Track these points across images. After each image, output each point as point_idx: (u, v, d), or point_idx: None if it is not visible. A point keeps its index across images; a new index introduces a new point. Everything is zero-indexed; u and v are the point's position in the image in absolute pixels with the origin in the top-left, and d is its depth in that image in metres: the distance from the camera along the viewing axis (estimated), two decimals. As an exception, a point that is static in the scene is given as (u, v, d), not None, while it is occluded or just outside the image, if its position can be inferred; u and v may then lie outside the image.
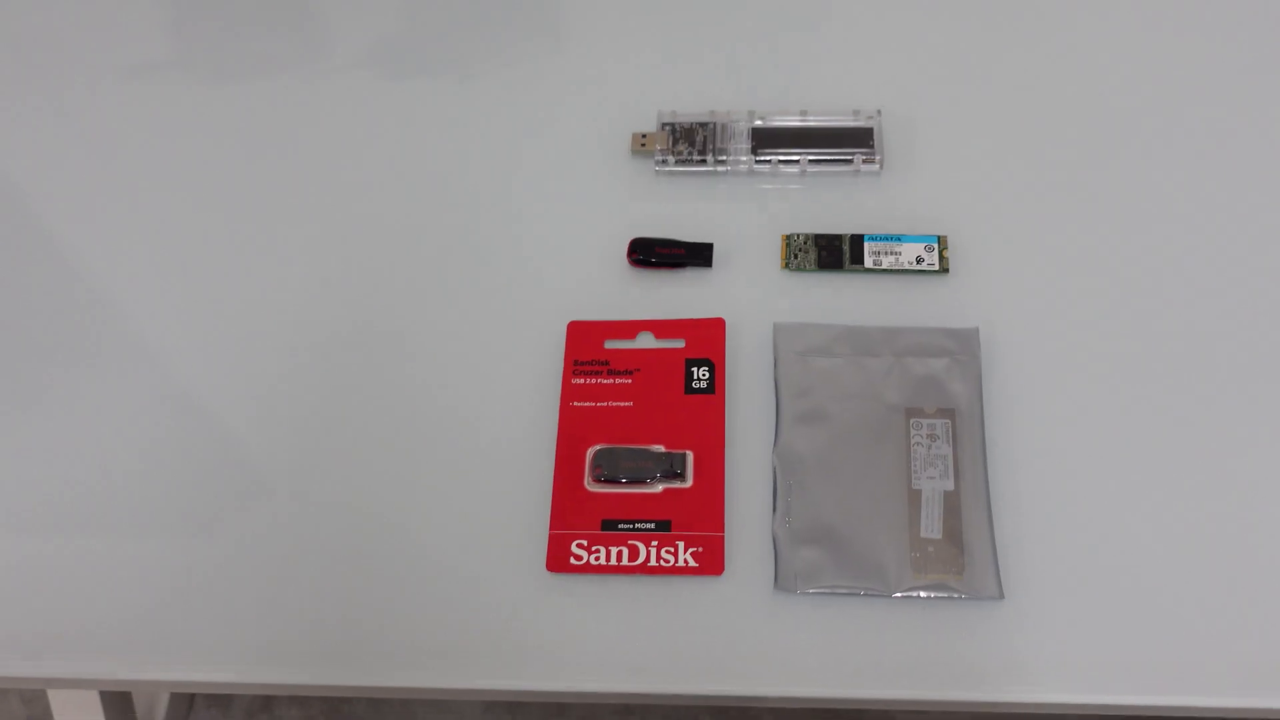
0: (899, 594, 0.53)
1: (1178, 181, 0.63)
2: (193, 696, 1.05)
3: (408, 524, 0.56)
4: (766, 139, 0.65)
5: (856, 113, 0.65)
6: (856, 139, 0.65)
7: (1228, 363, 0.58)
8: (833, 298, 0.61)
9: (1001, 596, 0.52)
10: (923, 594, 0.53)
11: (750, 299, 0.61)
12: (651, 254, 0.62)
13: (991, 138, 0.65)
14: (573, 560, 0.55)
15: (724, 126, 0.66)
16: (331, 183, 0.67)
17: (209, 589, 0.55)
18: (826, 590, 0.53)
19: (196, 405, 0.60)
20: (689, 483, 0.56)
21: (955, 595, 0.52)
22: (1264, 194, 0.62)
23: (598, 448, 0.57)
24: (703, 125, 0.66)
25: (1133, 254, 0.61)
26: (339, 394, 0.60)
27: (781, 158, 0.64)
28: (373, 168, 0.67)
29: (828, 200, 0.64)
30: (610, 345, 0.60)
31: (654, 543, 0.55)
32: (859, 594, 0.53)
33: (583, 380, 0.59)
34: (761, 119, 0.66)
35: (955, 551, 0.53)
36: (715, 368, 0.59)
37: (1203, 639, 0.51)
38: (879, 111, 0.65)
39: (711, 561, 0.54)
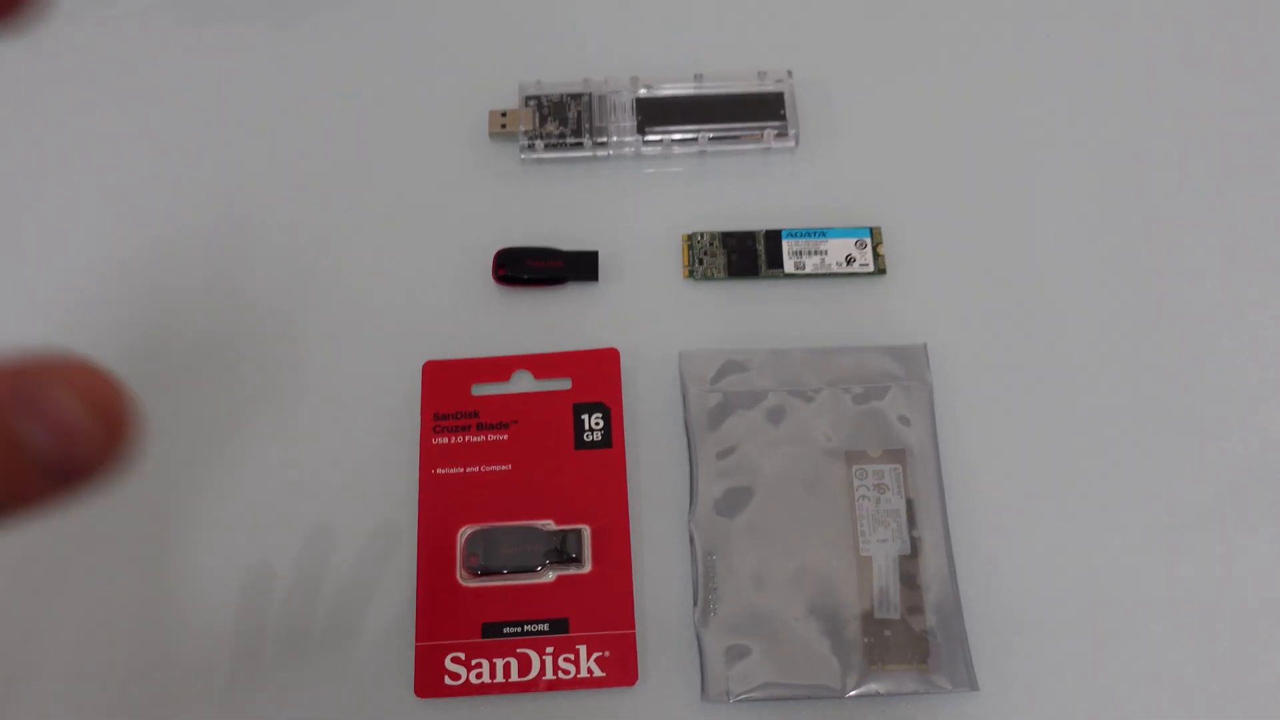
0: (853, 693, 0.43)
1: (1153, 156, 0.53)
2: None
3: (235, 641, 0.44)
4: (655, 113, 0.53)
5: (763, 75, 0.53)
6: (765, 108, 0.53)
7: (1231, 368, 0.49)
8: (749, 313, 0.50)
9: (975, 688, 0.43)
10: (881, 690, 0.43)
11: (648, 320, 0.50)
12: (522, 269, 0.50)
13: (928, 102, 0.54)
14: (448, 680, 0.43)
15: (602, 99, 0.53)
16: (106, 155, 0.52)
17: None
18: (764, 697, 0.43)
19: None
20: (587, 567, 0.45)
21: (921, 690, 0.43)
22: (1242, 179, 0.53)
23: (470, 530, 0.46)
24: (575, 98, 0.53)
25: (1107, 240, 0.51)
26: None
27: (675, 135, 0.52)
28: (158, 141, 0.53)
29: (735, 187, 0.52)
30: (479, 390, 0.48)
31: (549, 649, 0.44)
32: (805, 697, 0.43)
33: (446, 439, 0.47)
34: (647, 87, 0.53)
35: (918, 634, 0.43)
36: (611, 413, 0.47)
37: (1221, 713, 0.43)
38: (789, 73, 0.53)
39: (622, 669, 0.43)
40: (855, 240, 0.50)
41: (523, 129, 0.52)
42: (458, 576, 0.45)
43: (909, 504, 0.46)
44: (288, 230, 0.51)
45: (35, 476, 0.21)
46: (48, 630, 0.45)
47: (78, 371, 0.21)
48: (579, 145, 0.52)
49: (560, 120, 0.52)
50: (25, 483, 0.21)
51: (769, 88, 0.53)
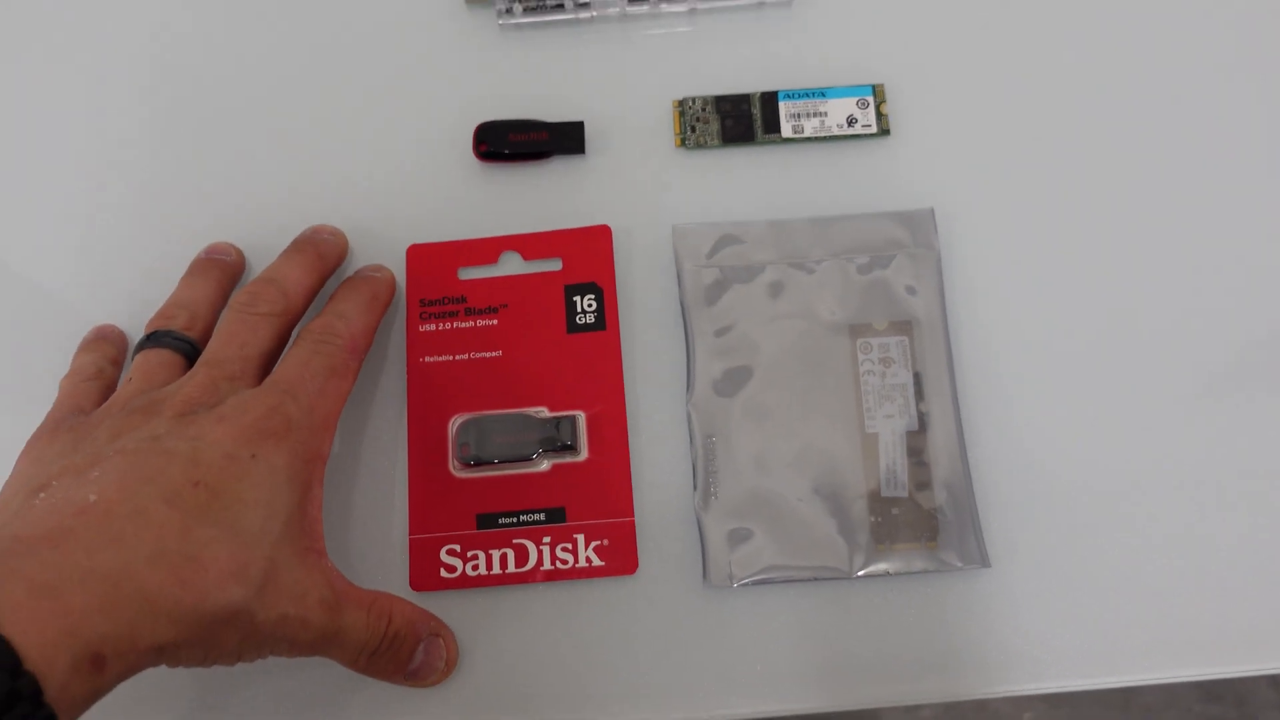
0: (860, 573, 0.42)
1: (1170, 21, 0.49)
2: None
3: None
4: (641, -31, 0.49)
5: (755, -78, 0.50)
6: (758, -40, 0.49)
7: (1251, 237, 0.46)
8: (746, 181, 0.47)
9: (987, 564, 0.42)
10: (890, 570, 0.42)
11: (639, 193, 0.47)
12: (504, 143, 0.47)
13: (931, -56, 0.50)
14: (444, 573, 0.42)
15: (584, -45, 0.49)
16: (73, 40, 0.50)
17: None
18: (768, 578, 0.42)
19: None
20: (583, 455, 0.43)
21: (930, 568, 0.42)
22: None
23: (462, 418, 0.44)
24: (556, -44, 0.50)
25: (1124, 93, 0.48)
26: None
27: (663, -7, 0.49)
28: (126, 24, 0.50)
29: (727, 48, 0.49)
30: (466, 274, 0.46)
31: (546, 539, 0.42)
32: (810, 579, 0.42)
33: (433, 326, 0.45)
34: (632, -59, 0.50)
35: (926, 512, 0.42)
36: (604, 294, 0.45)
37: (1231, 596, 0.41)
38: (784, -81, 0.50)
39: (621, 557, 0.42)
40: (857, 100, 0.47)
41: (500, -8, 0.49)
42: (450, 468, 0.43)
43: (916, 378, 0.44)
44: (254, 113, 0.49)
45: (399, 673, 0.40)
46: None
47: (453, 641, 0.41)
48: (560, 7, 0.49)
49: (540, -19, 0.49)
50: (393, 672, 0.40)
51: (762, -64, 0.49)
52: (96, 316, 0.46)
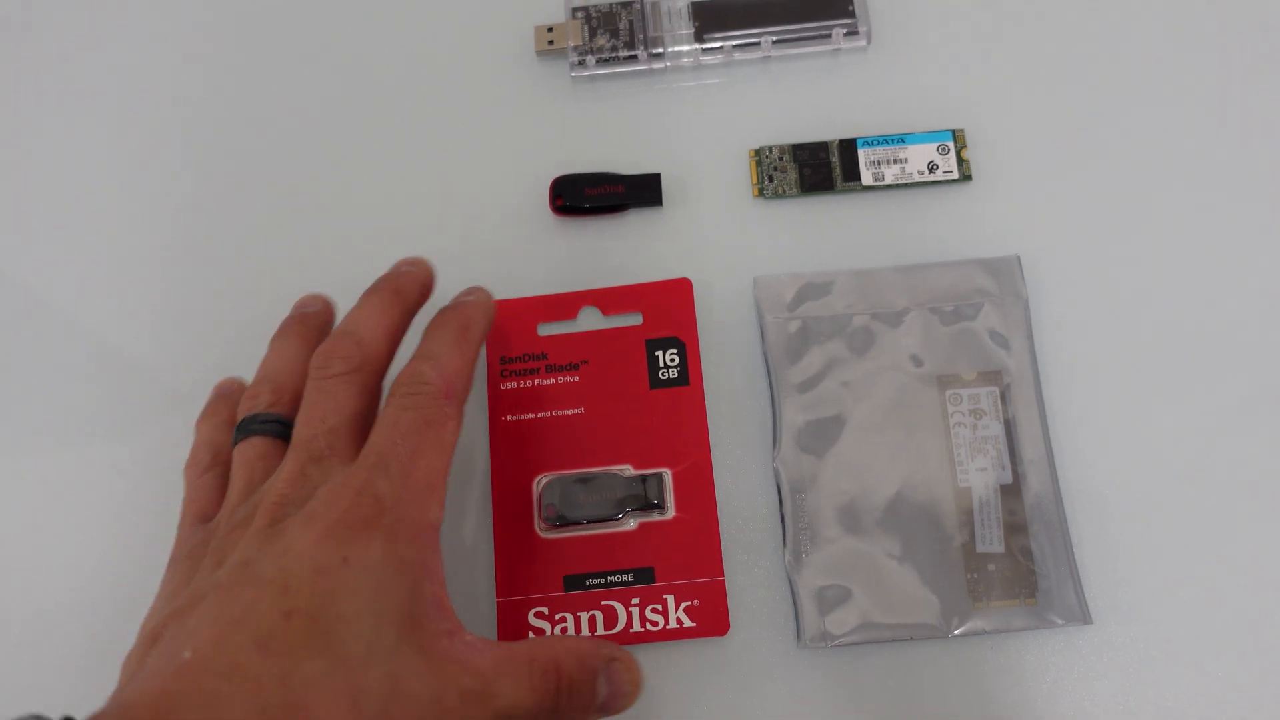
0: (957, 631, 0.41)
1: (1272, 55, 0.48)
2: None
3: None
4: (713, 17, 0.49)
5: (827, -32, 0.49)
6: (832, 5, 0.49)
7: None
8: (826, 230, 0.46)
9: (1089, 621, 0.41)
10: (987, 628, 0.41)
11: (718, 244, 0.47)
12: (581, 197, 0.47)
13: (1008, -15, 0.49)
14: (532, 636, 0.42)
15: (655, 5, 0.49)
16: (138, 96, 0.50)
17: None
18: (864, 640, 0.41)
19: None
20: (670, 513, 0.43)
21: (1030, 626, 0.41)
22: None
23: (546, 478, 0.44)
24: (626, 6, 0.49)
25: (1212, 135, 0.47)
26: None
27: (736, 41, 0.48)
28: (198, 70, 0.50)
29: (803, 95, 0.48)
30: (545, 330, 0.46)
31: (635, 600, 0.42)
32: (907, 639, 0.41)
33: (514, 383, 0.45)
34: (703, -10, 0.49)
35: (1024, 567, 0.41)
36: (687, 348, 0.45)
37: (1348, 649, 0.40)
38: (857, -36, 0.49)
39: (713, 618, 0.42)
40: (937, 145, 0.47)
41: (571, 44, 0.49)
42: (536, 528, 0.43)
43: (1008, 428, 0.43)
44: (329, 173, 0.49)
45: (589, 713, 0.35)
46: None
47: (631, 660, 0.36)
48: (633, 58, 0.49)
49: (611, 32, 0.49)
50: (581, 716, 0.35)
51: (835, -18, 0.49)
52: (181, 376, 0.46)
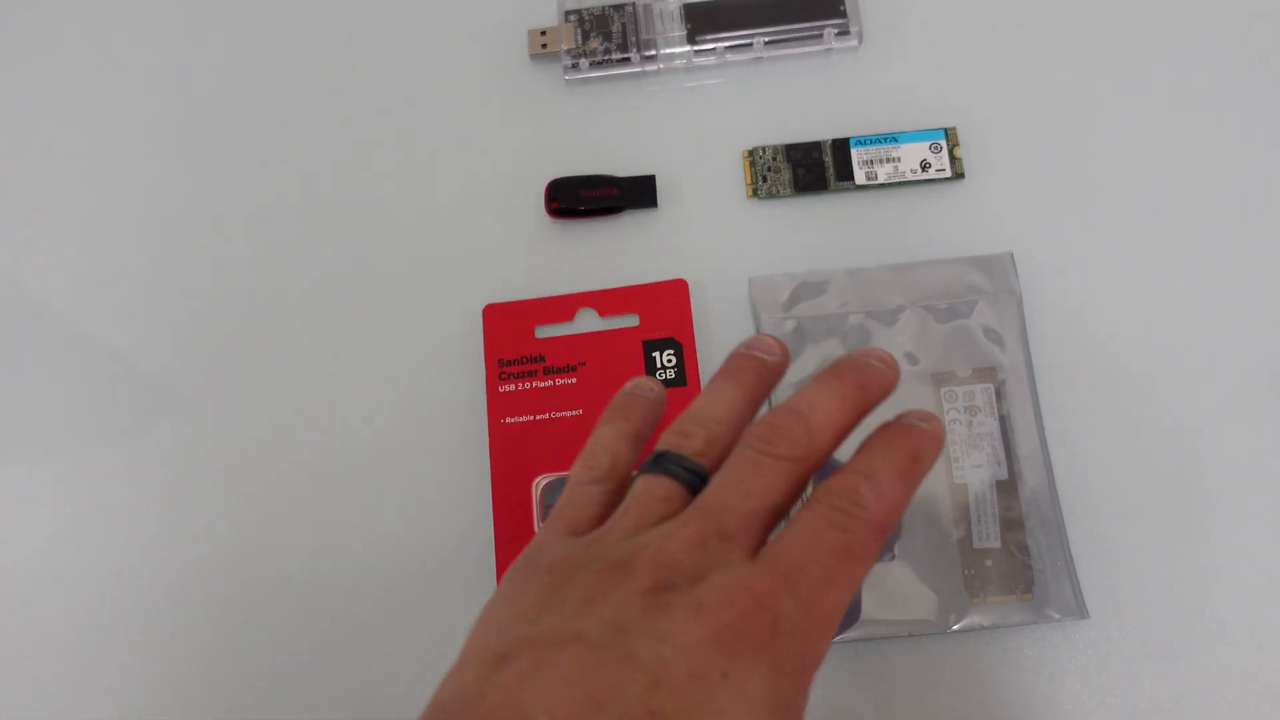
0: (955, 627, 0.41)
1: (1252, 46, 0.48)
2: None
3: (322, 606, 0.43)
4: (705, 19, 0.49)
5: (818, -32, 0.49)
6: (823, 5, 0.49)
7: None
8: (820, 230, 0.47)
9: (1085, 615, 0.41)
10: (985, 624, 0.41)
11: (713, 245, 0.47)
12: (576, 200, 0.47)
13: (998, -17, 0.50)
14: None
15: (647, 8, 0.49)
16: (138, 99, 0.50)
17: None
18: (862, 636, 0.41)
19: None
20: (669, 513, 0.43)
21: (1027, 621, 0.41)
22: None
23: (546, 479, 0.44)
24: (618, 9, 0.49)
25: (1199, 129, 0.47)
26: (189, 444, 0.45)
27: (728, 43, 0.49)
28: (192, 83, 0.50)
29: (796, 96, 0.49)
30: (543, 333, 0.46)
31: (636, 600, 0.42)
32: (905, 635, 0.41)
33: (513, 386, 0.45)
34: (695, -9, 0.50)
35: (1021, 563, 0.41)
36: (683, 349, 0.45)
37: (1341, 639, 0.41)
38: (848, -36, 0.49)
39: (713, 616, 0.42)
40: (929, 144, 0.47)
41: (565, 47, 0.49)
42: (536, 529, 0.43)
43: (1003, 424, 0.43)
44: (324, 179, 0.49)
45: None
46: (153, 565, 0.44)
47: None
48: (626, 61, 0.49)
49: (604, 35, 0.49)
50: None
51: (826, -18, 0.49)
52: (185, 379, 0.46)
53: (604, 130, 0.49)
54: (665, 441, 0.35)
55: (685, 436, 0.35)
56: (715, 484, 0.33)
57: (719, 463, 0.34)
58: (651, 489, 0.33)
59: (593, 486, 0.35)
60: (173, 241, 0.49)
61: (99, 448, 0.46)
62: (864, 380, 0.35)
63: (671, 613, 0.29)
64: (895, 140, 0.47)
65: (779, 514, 0.33)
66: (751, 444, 0.33)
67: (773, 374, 0.37)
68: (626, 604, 0.30)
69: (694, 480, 0.34)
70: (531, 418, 0.45)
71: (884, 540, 0.32)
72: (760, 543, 0.32)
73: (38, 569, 0.45)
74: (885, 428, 0.34)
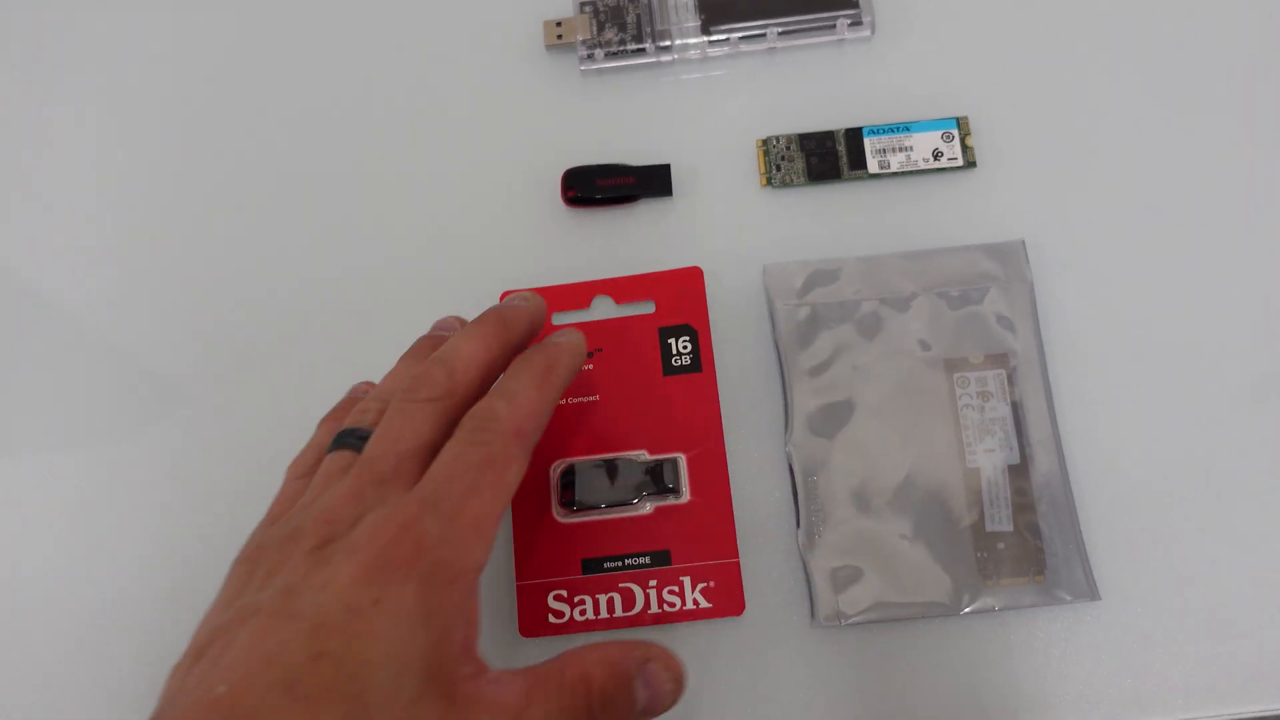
0: (968, 609, 0.42)
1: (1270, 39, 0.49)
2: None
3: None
4: (719, 9, 0.50)
5: (831, -41, 0.50)
6: (836, -4, 0.49)
7: (1340, 248, 0.46)
8: (834, 218, 0.47)
9: (1097, 597, 0.42)
10: (997, 606, 0.42)
11: (728, 233, 0.47)
12: (592, 188, 0.48)
13: (1009, -26, 0.50)
14: (552, 619, 0.43)
15: (662, -1, 0.50)
16: (151, 92, 0.51)
17: None
18: (877, 618, 0.42)
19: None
20: (685, 497, 0.44)
21: (1039, 603, 0.41)
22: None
23: (563, 464, 0.44)
24: (633, 0, 0.50)
25: (1210, 117, 0.47)
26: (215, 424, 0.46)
27: (742, 34, 0.49)
28: (207, 73, 0.51)
29: (809, 85, 0.49)
30: (560, 319, 0.46)
31: (652, 582, 0.43)
32: (919, 617, 0.42)
33: (529, 372, 0.46)
34: (709, -18, 0.50)
35: (1033, 546, 0.42)
36: (699, 335, 0.46)
37: (1350, 621, 0.41)
38: (861, -45, 0.50)
39: (728, 598, 0.42)
40: (942, 133, 0.48)
41: (580, 38, 0.50)
42: (553, 513, 0.44)
43: (1015, 410, 0.44)
44: (346, 168, 0.49)
45: (630, 716, 0.34)
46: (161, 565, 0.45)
47: (668, 656, 0.35)
48: (641, 51, 0.49)
49: (619, 25, 0.50)
50: (624, 716, 0.34)
51: (839, -27, 0.50)
52: (190, 376, 0.47)
53: (619, 120, 0.49)
54: (348, 421, 0.38)
55: (363, 413, 0.38)
56: (371, 439, 0.36)
57: None
58: (332, 463, 0.37)
59: (299, 480, 0.38)
60: (184, 231, 0.49)
61: (108, 444, 0.46)
62: (505, 318, 0.39)
63: (331, 562, 0.32)
64: (908, 130, 0.48)
65: (434, 452, 0.35)
66: (399, 396, 0.36)
67: None
68: (295, 567, 0.32)
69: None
70: (549, 403, 0.45)
71: (523, 444, 0.36)
72: (419, 480, 0.34)
73: (42, 566, 0.45)
74: (526, 350, 0.38)
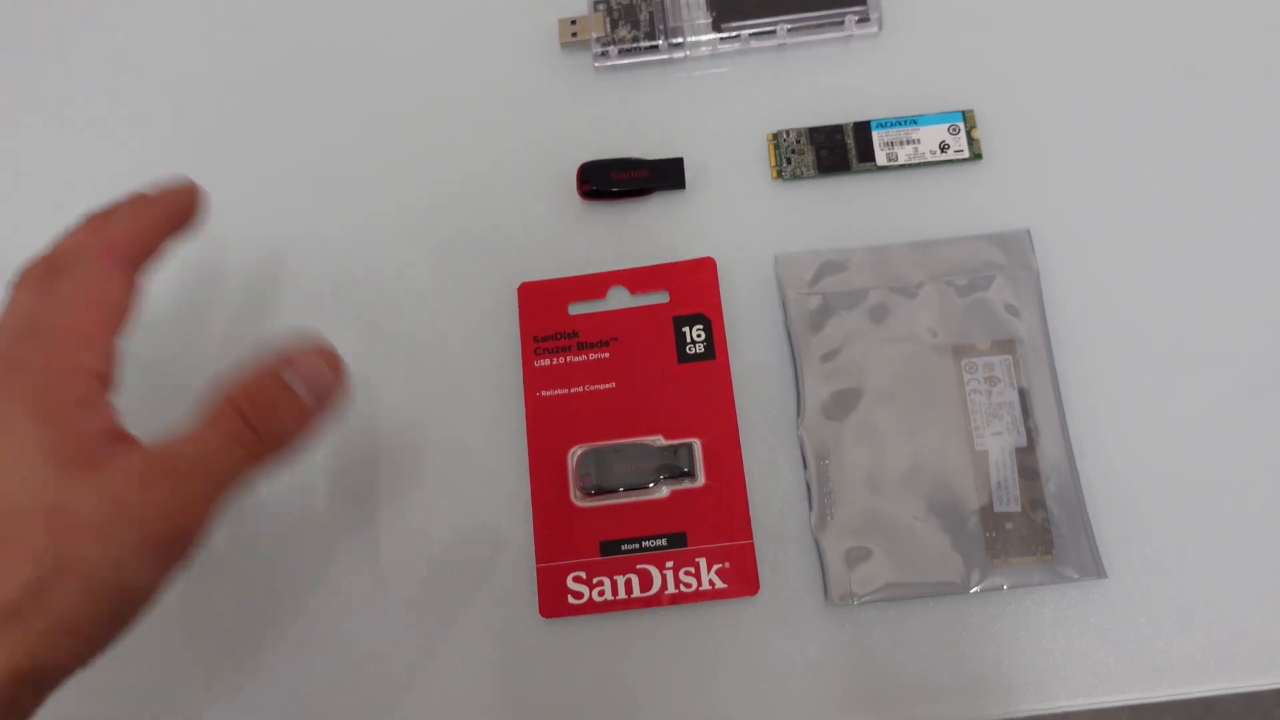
0: (977, 588, 0.43)
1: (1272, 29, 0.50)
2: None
3: (365, 575, 0.45)
4: (730, 7, 0.51)
5: (839, -42, 0.51)
6: (844, -6, 0.51)
7: (1339, 235, 0.47)
8: (843, 209, 0.48)
9: (1103, 575, 0.43)
10: (1006, 584, 0.43)
11: (740, 224, 0.49)
12: (607, 181, 0.49)
13: (1012, -29, 0.51)
14: (571, 600, 0.44)
15: (674, -3, 0.51)
16: (167, 85, 0.52)
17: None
18: (888, 597, 0.43)
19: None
20: (700, 481, 0.45)
21: (1047, 581, 0.43)
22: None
23: (581, 449, 0.46)
24: (646, -2, 0.51)
25: (1214, 111, 0.49)
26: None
27: (752, 30, 0.50)
28: (223, 72, 0.52)
29: (818, 80, 0.50)
30: (576, 309, 0.48)
31: (669, 564, 0.44)
32: (929, 596, 0.43)
33: (548, 360, 0.47)
34: (720, -19, 0.51)
35: (1040, 526, 0.43)
36: (712, 324, 0.47)
37: (1351, 597, 0.42)
38: (868, -47, 0.51)
39: (743, 579, 0.44)
40: (948, 126, 0.49)
41: (594, 36, 0.51)
42: (572, 497, 0.45)
43: (1022, 394, 0.45)
44: (370, 163, 0.51)
45: (300, 408, 0.35)
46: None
47: (312, 344, 0.36)
48: (654, 48, 0.51)
49: (632, 24, 0.51)
50: (295, 413, 0.35)
51: (847, -29, 0.51)
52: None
53: (633, 115, 0.50)
54: None
55: None
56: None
57: None
58: None
59: None
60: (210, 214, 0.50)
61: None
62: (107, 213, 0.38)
63: None
64: (915, 123, 0.49)
65: None
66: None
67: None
68: None
69: None
70: (566, 391, 0.46)
71: (124, 266, 0.36)
72: None
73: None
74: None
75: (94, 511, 0.31)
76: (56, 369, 0.34)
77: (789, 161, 0.49)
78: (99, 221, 0.37)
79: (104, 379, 0.35)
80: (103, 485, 0.32)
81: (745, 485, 0.44)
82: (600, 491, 0.45)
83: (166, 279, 0.50)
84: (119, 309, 0.36)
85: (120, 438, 0.33)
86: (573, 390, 0.46)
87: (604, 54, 0.51)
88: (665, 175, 0.49)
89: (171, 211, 0.38)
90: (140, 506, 0.32)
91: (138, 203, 0.38)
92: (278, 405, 0.35)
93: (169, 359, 0.48)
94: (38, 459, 0.32)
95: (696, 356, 0.46)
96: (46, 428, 0.32)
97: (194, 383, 0.48)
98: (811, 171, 0.49)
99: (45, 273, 0.35)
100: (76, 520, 0.31)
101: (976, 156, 0.48)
